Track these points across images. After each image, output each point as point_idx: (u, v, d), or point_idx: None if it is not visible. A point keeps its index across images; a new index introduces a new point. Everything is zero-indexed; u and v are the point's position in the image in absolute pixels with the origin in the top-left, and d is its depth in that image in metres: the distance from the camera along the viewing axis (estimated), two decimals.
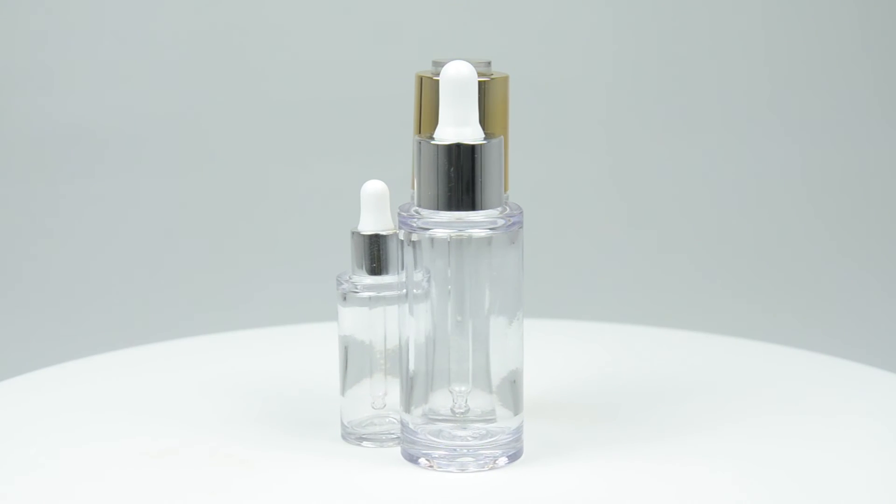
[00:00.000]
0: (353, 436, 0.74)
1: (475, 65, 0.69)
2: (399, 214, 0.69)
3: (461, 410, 0.70)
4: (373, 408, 0.75)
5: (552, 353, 0.91)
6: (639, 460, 0.72)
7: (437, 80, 0.69)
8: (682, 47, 1.65)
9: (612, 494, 0.68)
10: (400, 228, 0.69)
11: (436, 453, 0.70)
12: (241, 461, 0.72)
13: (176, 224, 1.61)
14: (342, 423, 0.75)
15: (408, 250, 0.69)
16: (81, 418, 0.79)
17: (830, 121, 1.67)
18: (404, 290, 0.70)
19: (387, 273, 0.74)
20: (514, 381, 0.70)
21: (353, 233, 0.74)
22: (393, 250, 0.73)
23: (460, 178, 0.67)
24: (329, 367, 0.84)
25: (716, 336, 0.98)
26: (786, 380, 0.87)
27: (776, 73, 1.67)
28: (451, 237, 0.68)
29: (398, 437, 0.73)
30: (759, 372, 0.89)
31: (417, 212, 0.68)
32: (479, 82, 0.69)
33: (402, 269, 0.70)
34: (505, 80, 0.73)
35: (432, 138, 0.67)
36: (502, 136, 0.68)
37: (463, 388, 0.70)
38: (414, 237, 0.69)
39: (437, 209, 0.68)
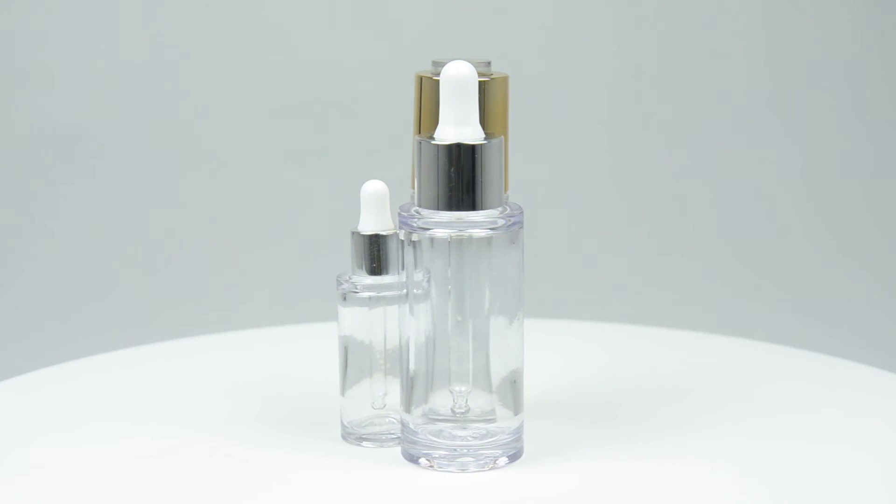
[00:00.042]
0: (353, 436, 0.74)
1: (475, 65, 0.69)
2: (399, 214, 0.69)
3: (461, 410, 0.70)
4: (373, 408, 0.75)
5: (552, 353, 0.91)
6: (639, 460, 0.72)
7: (437, 80, 0.69)
8: (682, 47, 1.65)
9: (612, 494, 0.68)
10: (400, 228, 0.69)
11: (436, 453, 0.70)
12: (241, 461, 0.72)
13: (176, 224, 1.61)
14: (342, 424, 0.75)
15: (408, 250, 0.69)
16: (81, 418, 0.79)
17: (830, 121, 1.67)
18: (404, 290, 0.70)
19: (387, 273, 0.74)
20: (515, 381, 0.70)
21: (353, 233, 0.74)
22: (393, 250, 0.73)
23: (461, 178, 0.67)
24: (329, 367, 0.84)
25: (716, 336, 0.98)
26: (786, 380, 0.87)
27: (776, 73, 1.67)
28: (451, 237, 0.68)
29: (398, 437, 0.73)
30: (759, 372, 0.89)
31: (418, 212, 0.68)
32: (479, 82, 0.69)
33: (403, 269, 0.70)
34: (505, 80, 0.73)
35: (433, 138, 0.67)
36: (503, 136, 0.68)
37: (463, 388, 0.70)
38: (414, 237, 0.69)
39: (438, 209, 0.68)
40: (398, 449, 0.73)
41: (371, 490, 0.68)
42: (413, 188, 0.70)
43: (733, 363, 0.91)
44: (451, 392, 0.70)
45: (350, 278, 0.74)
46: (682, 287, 1.65)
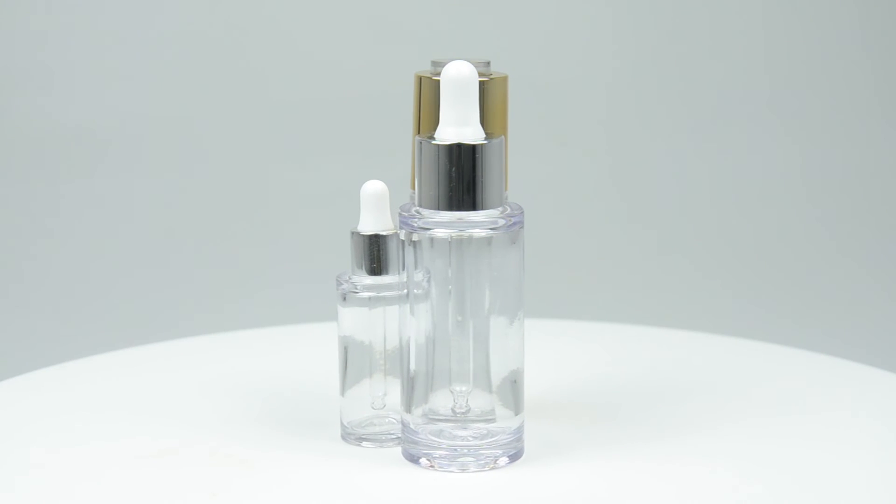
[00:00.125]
0: (352, 436, 0.74)
1: (475, 65, 0.69)
2: (400, 214, 0.69)
3: (462, 410, 0.70)
4: (372, 408, 0.75)
5: (552, 353, 0.91)
6: (639, 460, 0.72)
7: (437, 80, 0.69)
8: (682, 47, 1.65)
9: (612, 494, 0.68)
10: (400, 228, 0.69)
11: (436, 453, 0.70)
12: (241, 461, 0.72)
13: (176, 224, 1.61)
14: (342, 424, 0.75)
15: (408, 250, 0.69)
16: (81, 418, 0.79)
17: (830, 121, 1.67)
18: (405, 291, 0.70)
19: (386, 273, 0.74)
20: (515, 381, 0.70)
21: (352, 233, 0.74)
22: (393, 250, 0.73)
23: (461, 178, 0.67)
24: (329, 367, 0.84)
25: (716, 336, 0.98)
26: (786, 380, 0.87)
27: (776, 73, 1.67)
28: (451, 237, 0.68)
29: (398, 438, 0.73)
30: (759, 372, 0.89)
31: (418, 212, 0.68)
32: (479, 82, 0.69)
33: (403, 269, 0.70)
34: (504, 80, 0.73)
35: (433, 138, 0.67)
36: (503, 136, 0.68)
37: (463, 388, 0.70)
38: (414, 237, 0.69)
39: (438, 209, 0.68)
40: (398, 449, 0.73)
41: (371, 490, 0.68)
42: (413, 188, 0.70)
43: (733, 363, 0.91)
44: (451, 392, 0.70)
45: (350, 278, 0.74)
46: (682, 287, 1.65)
